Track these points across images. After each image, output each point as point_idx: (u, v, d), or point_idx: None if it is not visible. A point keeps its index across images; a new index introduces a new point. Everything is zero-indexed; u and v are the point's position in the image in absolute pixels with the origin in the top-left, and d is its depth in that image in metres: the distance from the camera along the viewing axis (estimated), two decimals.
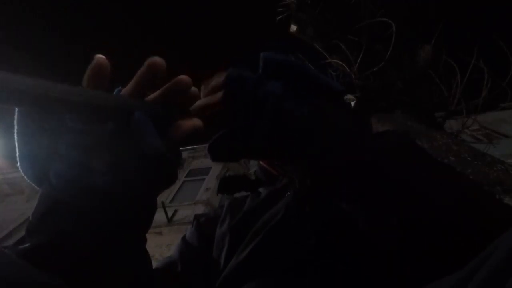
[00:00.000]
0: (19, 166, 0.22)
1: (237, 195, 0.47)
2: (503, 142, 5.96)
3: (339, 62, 1.80)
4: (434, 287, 0.17)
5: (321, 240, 0.30)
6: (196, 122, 0.24)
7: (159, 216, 4.96)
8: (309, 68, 0.27)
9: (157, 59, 0.22)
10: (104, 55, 0.22)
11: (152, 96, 0.24)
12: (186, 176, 6.68)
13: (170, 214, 5.20)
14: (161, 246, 4.69)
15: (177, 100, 0.25)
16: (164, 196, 5.80)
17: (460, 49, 1.72)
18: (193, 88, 0.25)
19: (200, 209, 5.32)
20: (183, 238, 0.45)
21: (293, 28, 2.01)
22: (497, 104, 2.00)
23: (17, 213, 6.11)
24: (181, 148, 0.26)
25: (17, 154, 0.22)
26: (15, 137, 0.22)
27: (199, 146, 7.13)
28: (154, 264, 0.28)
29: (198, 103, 0.26)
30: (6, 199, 6.88)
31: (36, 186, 0.23)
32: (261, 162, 0.51)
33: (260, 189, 0.44)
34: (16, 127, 0.21)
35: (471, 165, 1.05)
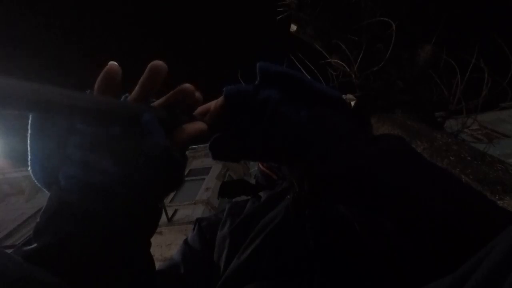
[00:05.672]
0: (30, 170, 0.22)
1: (237, 199, 0.47)
2: (503, 142, 5.96)
3: (339, 61, 1.80)
4: None
5: (320, 242, 0.30)
6: (200, 125, 0.25)
7: None
8: (305, 77, 0.27)
9: (158, 62, 0.23)
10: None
11: (157, 102, 0.25)
12: (186, 176, 6.66)
13: (170, 214, 5.20)
14: (161, 245, 4.69)
15: (181, 106, 0.25)
16: None
17: (460, 49, 1.72)
18: (197, 94, 0.25)
19: (200, 209, 5.33)
20: (185, 241, 0.45)
21: (293, 27, 2.01)
22: (497, 104, 2.00)
23: (17, 213, 6.10)
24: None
25: (29, 158, 0.22)
26: (28, 141, 0.22)
27: (200, 146, 7.14)
28: (156, 265, 0.29)
29: (201, 108, 0.27)
30: (6, 199, 6.88)
31: (45, 190, 0.23)
32: (261, 166, 0.52)
33: (261, 193, 0.45)
34: (29, 131, 0.22)
35: (471, 165, 1.05)
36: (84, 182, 0.21)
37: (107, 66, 0.22)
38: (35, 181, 0.23)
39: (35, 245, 0.19)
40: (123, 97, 0.25)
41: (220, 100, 0.26)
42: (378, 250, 0.26)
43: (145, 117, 0.21)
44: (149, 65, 0.23)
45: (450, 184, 0.24)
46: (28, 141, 0.22)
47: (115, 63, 0.22)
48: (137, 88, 0.24)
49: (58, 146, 0.22)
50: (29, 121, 0.22)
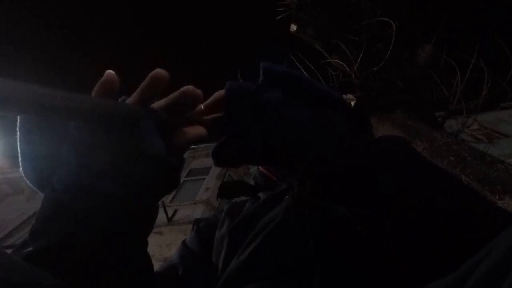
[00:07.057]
0: (22, 171, 0.22)
1: (237, 199, 0.47)
2: (503, 142, 5.96)
3: (339, 61, 1.80)
4: None
5: (320, 242, 0.30)
6: (200, 130, 0.25)
7: (159, 216, 4.95)
8: (308, 78, 0.28)
9: (160, 71, 0.23)
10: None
11: (158, 103, 0.25)
12: (186, 176, 6.68)
13: (170, 214, 5.20)
14: (161, 245, 4.68)
15: (182, 109, 0.25)
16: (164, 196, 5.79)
17: (460, 49, 1.72)
18: (198, 91, 0.25)
19: (200, 209, 5.32)
20: (184, 242, 0.45)
21: (293, 27, 2.01)
22: (497, 104, 2.00)
23: (17, 213, 6.10)
24: None
25: (20, 159, 0.22)
26: (18, 143, 0.22)
27: (200, 146, 7.14)
28: (155, 265, 0.29)
29: (204, 106, 0.27)
30: (6, 199, 6.88)
31: (38, 191, 0.23)
32: (260, 167, 0.52)
33: (260, 194, 0.45)
34: (18, 133, 0.22)
35: (471, 165, 1.05)
36: (80, 186, 0.21)
37: (104, 76, 0.22)
38: (28, 182, 0.23)
39: (34, 245, 0.19)
40: (120, 99, 0.25)
41: (221, 92, 0.26)
42: (378, 250, 0.26)
43: (144, 119, 0.22)
44: (151, 73, 0.23)
45: (450, 184, 0.24)
46: (18, 143, 0.22)
47: (112, 71, 0.22)
48: (135, 93, 0.24)
49: (51, 148, 0.22)
50: (17, 123, 0.22)
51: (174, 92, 0.25)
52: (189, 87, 0.25)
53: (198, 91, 0.25)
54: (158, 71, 0.23)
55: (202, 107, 0.27)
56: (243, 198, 0.47)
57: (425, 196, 0.22)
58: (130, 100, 0.24)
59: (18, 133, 0.22)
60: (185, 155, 0.26)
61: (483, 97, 1.56)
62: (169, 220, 5.13)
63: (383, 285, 0.26)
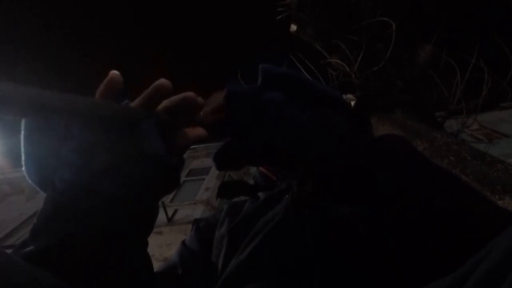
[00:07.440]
0: (24, 171, 0.23)
1: (236, 199, 0.47)
2: (503, 142, 5.96)
3: (339, 61, 1.80)
4: None
5: (320, 242, 0.30)
6: (201, 131, 0.25)
7: (159, 216, 4.94)
8: (308, 78, 0.28)
9: (164, 82, 0.23)
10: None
11: (159, 106, 0.25)
12: (186, 176, 6.69)
13: (170, 214, 5.20)
14: (161, 245, 4.68)
15: (182, 111, 0.25)
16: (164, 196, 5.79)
17: (460, 49, 1.72)
18: (199, 99, 0.26)
19: (200, 209, 5.32)
20: (183, 242, 0.45)
21: (293, 27, 2.01)
22: (498, 104, 2.00)
23: (17, 213, 6.10)
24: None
25: (23, 158, 0.22)
26: (21, 142, 0.22)
27: (200, 146, 7.14)
28: (155, 265, 0.29)
29: (203, 113, 0.27)
30: (6, 199, 6.88)
31: (40, 190, 0.23)
32: (260, 167, 0.52)
33: (259, 194, 0.45)
34: (22, 132, 0.22)
35: (471, 165, 1.05)
36: (82, 186, 0.21)
37: (109, 76, 0.22)
38: (30, 181, 0.23)
39: (35, 245, 0.19)
40: (123, 103, 0.25)
41: (221, 93, 0.27)
42: (378, 250, 0.26)
43: (144, 120, 0.22)
44: (155, 83, 0.23)
45: (450, 184, 0.24)
46: (22, 142, 0.22)
47: (117, 72, 0.22)
48: (138, 100, 0.24)
49: (53, 148, 0.22)
50: (22, 123, 0.22)
51: (176, 96, 0.25)
52: (191, 93, 0.25)
53: (199, 98, 0.26)
54: (162, 81, 0.23)
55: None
56: (243, 198, 0.47)
57: (425, 196, 0.22)
58: (132, 105, 0.24)
59: (22, 132, 0.22)
60: (185, 155, 0.26)
61: (483, 97, 1.56)
62: (169, 220, 5.13)
63: (383, 285, 0.26)
